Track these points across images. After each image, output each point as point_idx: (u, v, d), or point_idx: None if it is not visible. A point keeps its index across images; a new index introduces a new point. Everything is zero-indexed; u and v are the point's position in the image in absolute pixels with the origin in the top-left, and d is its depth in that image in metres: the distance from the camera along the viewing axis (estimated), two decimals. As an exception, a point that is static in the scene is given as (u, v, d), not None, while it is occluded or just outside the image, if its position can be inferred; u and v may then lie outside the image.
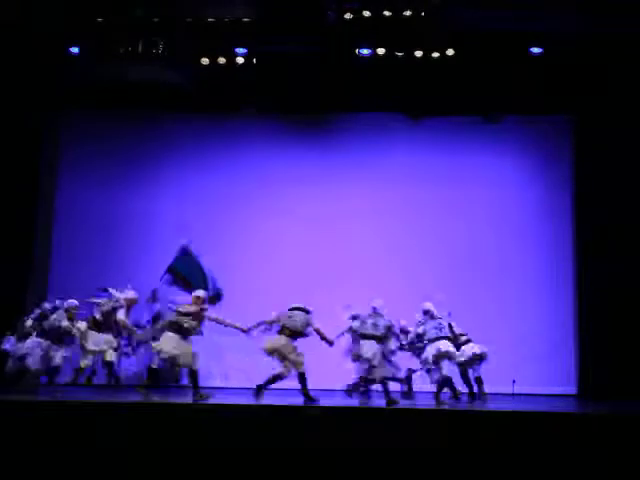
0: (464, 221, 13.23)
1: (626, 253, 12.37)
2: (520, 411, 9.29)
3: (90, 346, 11.03)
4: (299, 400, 9.89)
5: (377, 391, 10.56)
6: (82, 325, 11.02)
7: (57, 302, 11.02)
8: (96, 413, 8.58)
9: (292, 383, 10.18)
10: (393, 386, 10.53)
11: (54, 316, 10.71)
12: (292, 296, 11.63)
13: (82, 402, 9.24)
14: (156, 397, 9.99)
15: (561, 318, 12.84)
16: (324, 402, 9.76)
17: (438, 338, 10.45)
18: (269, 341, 10.16)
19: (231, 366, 12.62)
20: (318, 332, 10.42)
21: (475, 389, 11.01)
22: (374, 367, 10.20)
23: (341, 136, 13.49)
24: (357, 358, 10.46)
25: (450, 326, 10.72)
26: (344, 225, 13.18)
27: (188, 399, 9.68)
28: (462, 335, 11.06)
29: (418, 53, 12.02)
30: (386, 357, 10.45)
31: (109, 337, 11.20)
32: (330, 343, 10.57)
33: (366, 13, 11.41)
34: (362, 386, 10.68)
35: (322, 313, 11.45)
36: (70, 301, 10.96)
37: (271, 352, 10.12)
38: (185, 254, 12.38)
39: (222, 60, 12.36)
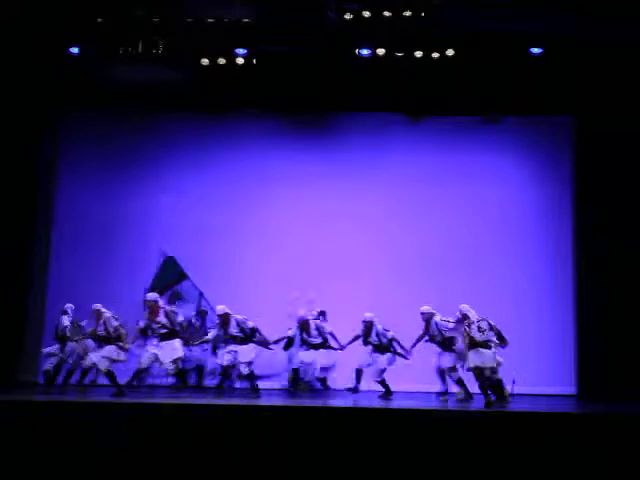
0: (464, 221, 13.22)
1: (626, 253, 12.36)
2: (520, 411, 9.30)
3: None
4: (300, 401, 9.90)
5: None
6: None
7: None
8: (96, 413, 8.58)
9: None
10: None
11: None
12: (291, 294, 11.70)
13: (82, 402, 9.25)
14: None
15: (561, 318, 12.83)
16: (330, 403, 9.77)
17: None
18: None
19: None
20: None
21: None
22: None
23: (341, 136, 13.48)
24: None
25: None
26: (344, 224, 13.16)
27: (187, 399, 9.70)
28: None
29: (418, 53, 12.03)
30: None
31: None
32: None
33: (366, 13, 11.41)
34: None
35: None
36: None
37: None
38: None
39: (222, 60, 12.36)
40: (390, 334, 11.15)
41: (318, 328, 11.36)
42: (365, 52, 12.09)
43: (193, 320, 12.23)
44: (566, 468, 8.07)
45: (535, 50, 12.04)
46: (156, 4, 11.61)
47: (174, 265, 12.97)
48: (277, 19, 11.52)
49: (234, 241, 13.26)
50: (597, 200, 12.67)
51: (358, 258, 13.04)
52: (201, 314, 12.49)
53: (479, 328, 10.20)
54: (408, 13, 11.40)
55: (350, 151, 13.42)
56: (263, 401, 10.09)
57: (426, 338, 11.18)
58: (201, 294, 12.72)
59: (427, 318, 11.11)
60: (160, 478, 8.12)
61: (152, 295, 11.01)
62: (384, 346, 11.09)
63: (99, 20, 11.70)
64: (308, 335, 11.31)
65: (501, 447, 8.20)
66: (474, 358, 10.05)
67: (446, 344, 11.02)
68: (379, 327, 11.17)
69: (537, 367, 12.31)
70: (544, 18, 11.29)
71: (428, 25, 11.61)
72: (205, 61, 12.33)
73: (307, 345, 11.31)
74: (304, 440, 8.24)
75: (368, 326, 11.17)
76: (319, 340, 11.34)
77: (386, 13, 11.43)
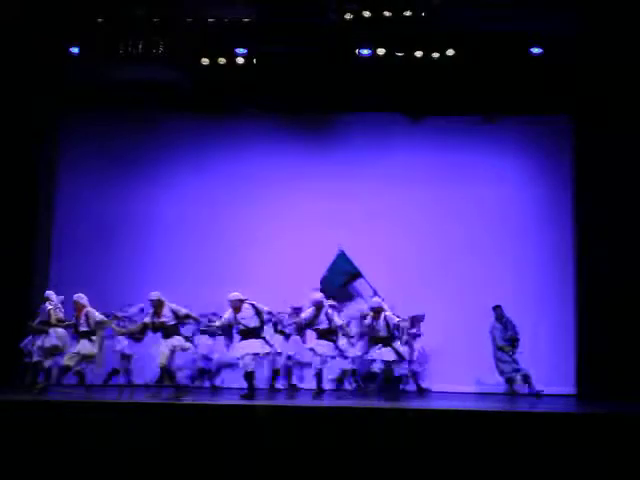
0: (464, 221, 13.23)
1: (626, 253, 12.36)
2: (520, 411, 9.30)
3: None
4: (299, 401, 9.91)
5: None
6: None
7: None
8: (98, 413, 8.59)
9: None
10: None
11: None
12: (293, 294, 11.69)
13: (83, 402, 9.25)
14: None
15: (561, 318, 12.84)
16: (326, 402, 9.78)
17: None
18: None
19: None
20: None
21: None
22: None
23: (341, 136, 13.49)
24: None
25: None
26: (343, 225, 13.15)
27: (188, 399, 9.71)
28: None
29: (418, 53, 12.04)
30: None
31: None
32: None
33: (366, 13, 11.40)
34: None
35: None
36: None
37: None
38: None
39: (222, 60, 12.37)
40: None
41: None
42: (365, 52, 12.09)
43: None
44: (566, 468, 8.08)
45: (535, 50, 12.04)
46: (156, 4, 11.61)
47: (346, 263, 12.94)
48: (277, 19, 11.55)
49: (234, 241, 13.27)
50: (597, 200, 12.66)
51: (358, 258, 13.04)
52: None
53: None
54: (408, 13, 11.39)
55: (350, 151, 13.43)
56: (263, 401, 10.10)
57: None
58: (375, 292, 12.57)
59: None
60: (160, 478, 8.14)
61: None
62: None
63: (99, 20, 11.69)
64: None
65: (501, 447, 8.20)
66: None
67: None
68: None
69: (537, 367, 12.30)
70: (544, 18, 11.30)
71: (428, 25, 11.61)
72: (205, 61, 12.34)
73: None
74: (307, 440, 8.25)
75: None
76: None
77: (386, 13, 11.42)
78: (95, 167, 13.51)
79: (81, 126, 13.58)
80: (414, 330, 12.03)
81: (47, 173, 13.50)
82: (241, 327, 10.36)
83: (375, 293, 12.47)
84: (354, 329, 11.56)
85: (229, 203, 13.44)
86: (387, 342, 10.76)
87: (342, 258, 12.96)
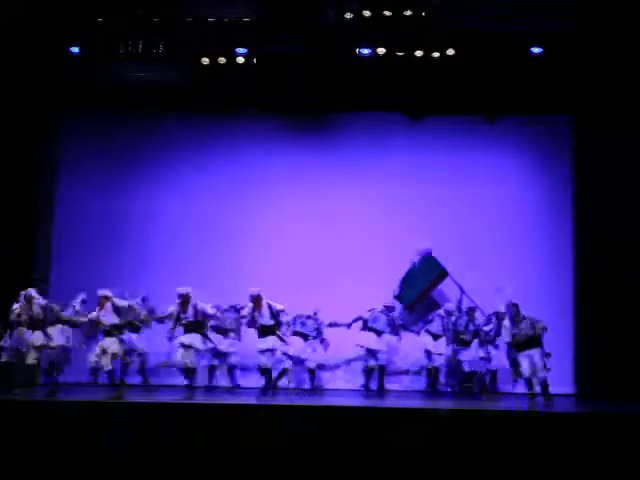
0: (464, 220, 13.22)
1: (626, 253, 12.35)
2: (520, 411, 9.31)
3: None
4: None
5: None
6: None
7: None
8: (97, 413, 8.60)
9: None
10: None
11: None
12: (292, 295, 11.71)
13: (82, 402, 9.26)
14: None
15: (561, 318, 12.82)
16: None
17: None
18: None
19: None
20: None
21: None
22: None
23: (341, 136, 13.48)
24: None
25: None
26: (343, 225, 13.17)
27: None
28: None
29: (418, 53, 12.03)
30: None
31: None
32: None
33: (366, 13, 11.41)
34: None
35: (323, 311, 11.57)
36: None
37: None
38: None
39: (222, 60, 12.37)
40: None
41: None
42: (365, 52, 12.10)
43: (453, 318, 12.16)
44: (566, 468, 8.08)
45: (535, 50, 12.05)
46: (156, 4, 11.62)
47: (433, 264, 12.77)
48: (277, 19, 11.55)
49: (235, 241, 13.27)
50: (597, 200, 12.65)
51: (358, 258, 13.04)
52: (468, 312, 12.20)
53: None
54: (408, 13, 11.40)
55: (350, 151, 13.42)
56: (261, 401, 10.11)
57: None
58: (462, 291, 12.52)
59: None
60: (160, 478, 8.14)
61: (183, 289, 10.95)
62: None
63: (99, 20, 11.70)
64: None
65: (501, 447, 8.21)
66: None
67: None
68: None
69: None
70: (544, 18, 11.30)
71: (428, 25, 11.61)
72: (205, 61, 12.34)
73: None
74: (305, 440, 8.26)
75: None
76: None
77: (386, 13, 11.43)
78: (95, 167, 13.51)
79: (81, 126, 13.58)
80: (489, 327, 11.99)
81: (47, 173, 13.50)
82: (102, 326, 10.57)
83: (462, 291, 12.51)
84: (436, 326, 12.02)
85: (229, 203, 13.43)
86: (271, 331, 10.88)
87: (429, 261, 12.80)
